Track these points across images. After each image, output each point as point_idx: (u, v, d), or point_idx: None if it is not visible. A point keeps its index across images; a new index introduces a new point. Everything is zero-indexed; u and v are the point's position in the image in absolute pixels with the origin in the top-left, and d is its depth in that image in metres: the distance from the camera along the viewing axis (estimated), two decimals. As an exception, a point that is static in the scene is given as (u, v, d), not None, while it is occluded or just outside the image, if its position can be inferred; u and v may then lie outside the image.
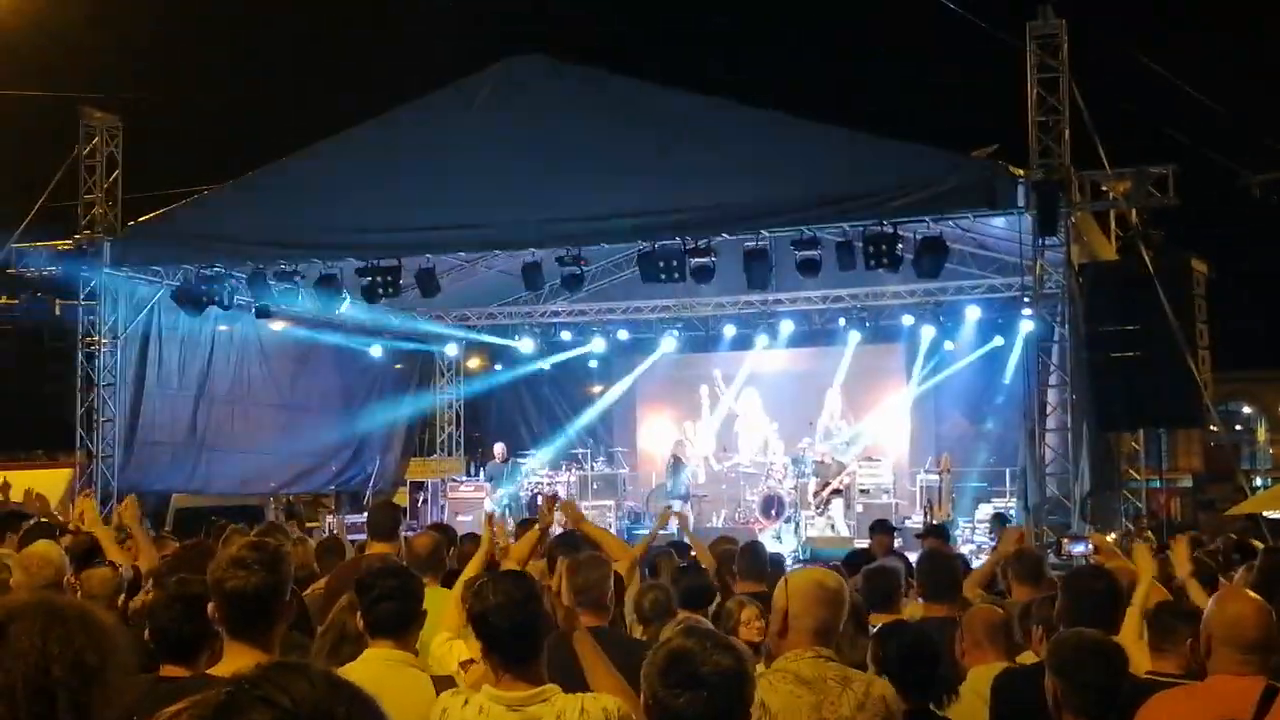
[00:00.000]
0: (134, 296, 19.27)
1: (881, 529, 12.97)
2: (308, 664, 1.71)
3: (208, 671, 3.79)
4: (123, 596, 6.52)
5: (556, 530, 7.62)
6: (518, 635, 3.95)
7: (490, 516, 7.55)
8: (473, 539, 8.84)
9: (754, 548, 8.32)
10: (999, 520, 16.75)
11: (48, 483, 12.81)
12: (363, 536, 9.74)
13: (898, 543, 13.75)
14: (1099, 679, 4.06)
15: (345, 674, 4.30)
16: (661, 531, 20.20)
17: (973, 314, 21.52)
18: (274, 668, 1.68)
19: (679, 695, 3.04)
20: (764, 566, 8.17)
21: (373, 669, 4.46)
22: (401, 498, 23.81)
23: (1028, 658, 5.54)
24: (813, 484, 20.95)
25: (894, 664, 4.70)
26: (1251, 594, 4.59)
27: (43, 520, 8.97)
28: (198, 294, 18.41)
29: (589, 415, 26.03)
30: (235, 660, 3.63)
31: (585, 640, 4.42)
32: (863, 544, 18.16)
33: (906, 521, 19.04)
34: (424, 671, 4.62)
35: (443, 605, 5.24)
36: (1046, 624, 5.41)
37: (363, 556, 7.34)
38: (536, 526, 7.21)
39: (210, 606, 3.79)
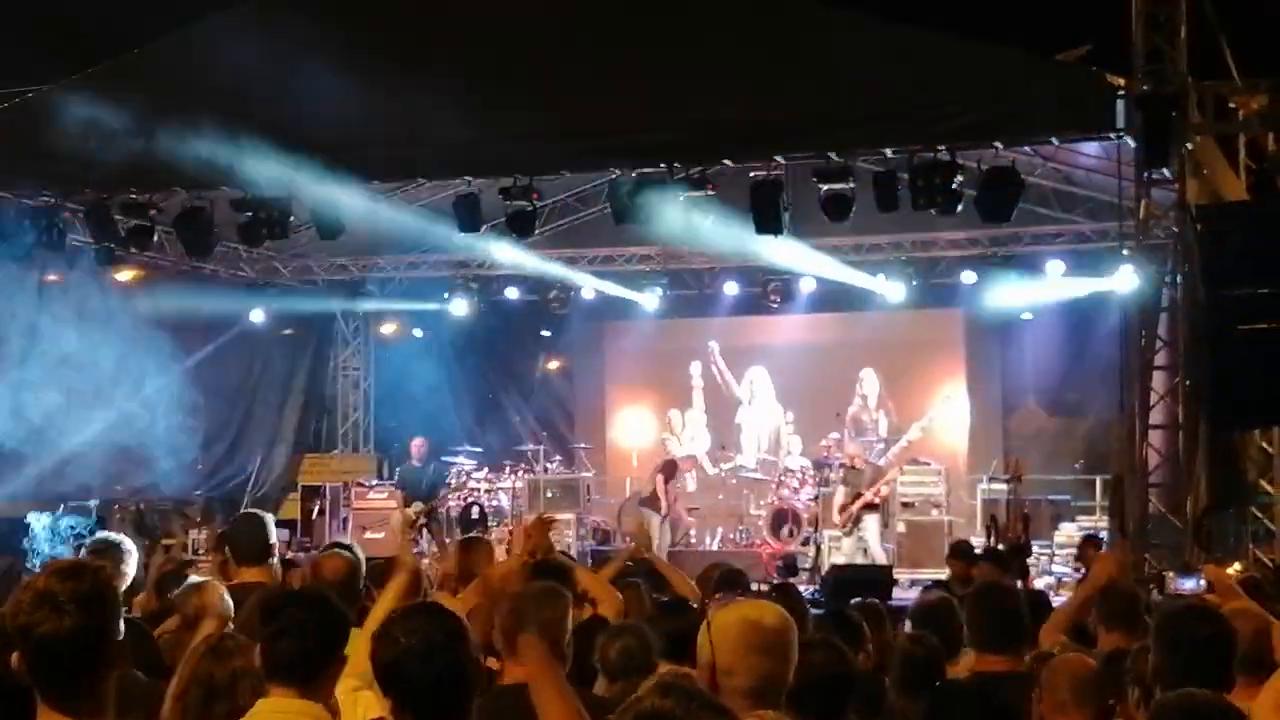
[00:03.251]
0: (-68, 234, 19.15)
1: (960, 554, 13.16)
2: None
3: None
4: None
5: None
6: (440, 688, 3.97)
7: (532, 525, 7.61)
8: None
9: (728, 576, 8.33)
10: (1090, 544, 16.83)
11: None
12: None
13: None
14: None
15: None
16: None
17: (1055, 270, 21.51)
18: None
19: None
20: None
21: None
22: (291, 506, 23.78)
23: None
24: (840, 495, 20.96)
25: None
26: None
27: None
28: (18, 232, 18.29)
29: (542, 400, 25.99)
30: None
31: (535, 649, 4.39)
32: (911, 575, 18.34)
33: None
34: None
35: (354, 647, 5.24)
36: (1143, 682, 5.42)
37: (228, 586, 7.32)
38: (515, 555, 7.19)
39: (14, 657, 3.74)
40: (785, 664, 4.29)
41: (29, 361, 20.52)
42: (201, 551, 18.65)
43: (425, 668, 3.93)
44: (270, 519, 8.27)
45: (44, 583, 3.78)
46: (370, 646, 4.14)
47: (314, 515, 23.46)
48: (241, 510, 20.55)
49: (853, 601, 9.65)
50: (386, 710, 4.16)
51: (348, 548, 8.63)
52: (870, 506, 20.66)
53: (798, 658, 4.45)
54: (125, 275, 21.65)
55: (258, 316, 23.82)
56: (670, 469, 21.98)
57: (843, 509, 20.74)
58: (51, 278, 20.76)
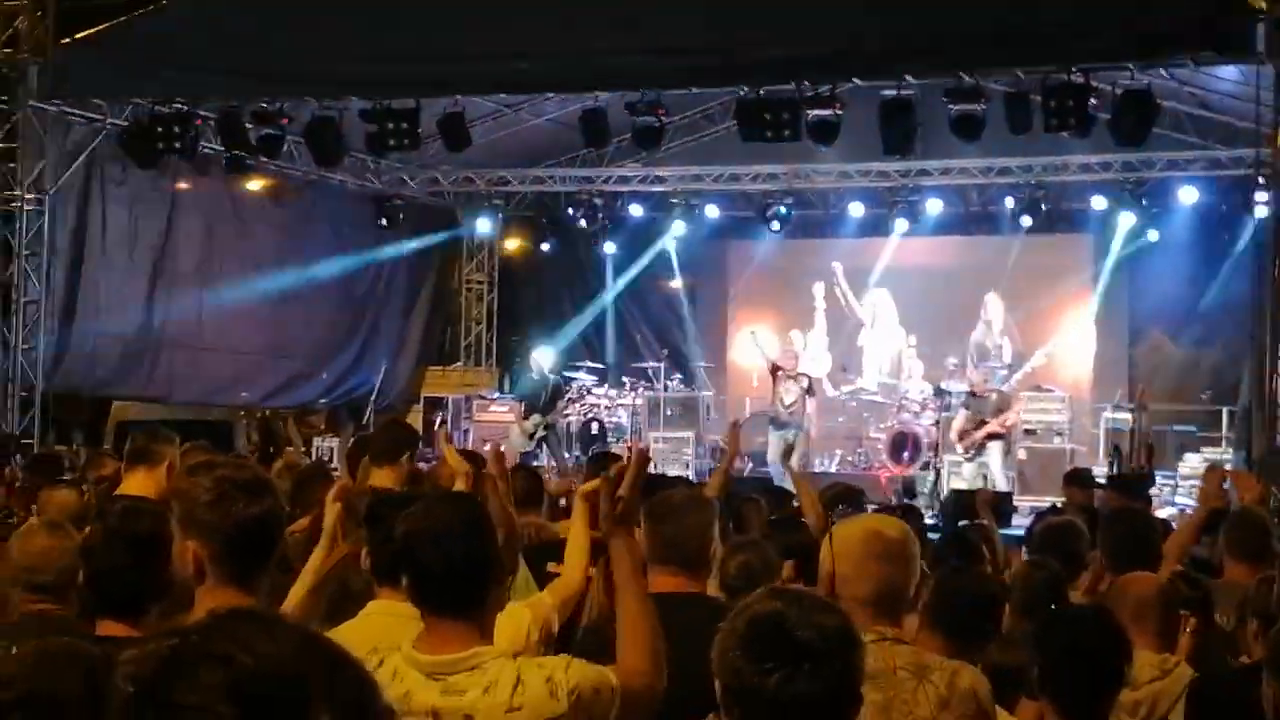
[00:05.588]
0: (68, 139, 19.31)
1: (1077, 481, 13.20)
2: (275, 614, 1.71)
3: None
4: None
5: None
6: (451, 574, 3.93)
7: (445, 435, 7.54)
8: (528, 474, 8.84)
9: (844, 493, 8.31)
10: (1214, 474, 16.61)
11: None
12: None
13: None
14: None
15: (340, 632, 4.31)
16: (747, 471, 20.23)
17: (1188, 197, 21.27)
18: (229, 617, 1.67)
19: (771, 672, 2.99)
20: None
21: (375, 626, 4.51)
22: (414, 417, 24.00)
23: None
24: (961, 419, 20.81)
25: (1060, 664, 4.66)
26: None
27: None
28: (152, 138, 18.45)
29: (664, 318, 25.99)
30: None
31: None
32: (1032, 503, 18.19)
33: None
34: None
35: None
36: (1263, 615, 5.34)
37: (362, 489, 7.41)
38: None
39: (191, 546, 3.78)
40: (906, 573, 4.26)
41: (160, 267, 20.76)
42: (328, 459, 18.84)
43: (436, 552, 3.91)
44: (413, 428, 8.31)
45: (224, 472, 3.88)
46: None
47: (436, 427, 23.65)
48: (372, 420, 20.91)
49: (961, 524, 9.63)
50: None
51: (470, 457, 8.69)
52: (994, 436, 20.53)
53: (919, 574, 4.42)
54: (256, 183, 21.81)
55: (386, 227, 23.90)
56: (774, 369, 21.49)
57: (963, 434, 20.61)
58: (183, 185, 20.94)
